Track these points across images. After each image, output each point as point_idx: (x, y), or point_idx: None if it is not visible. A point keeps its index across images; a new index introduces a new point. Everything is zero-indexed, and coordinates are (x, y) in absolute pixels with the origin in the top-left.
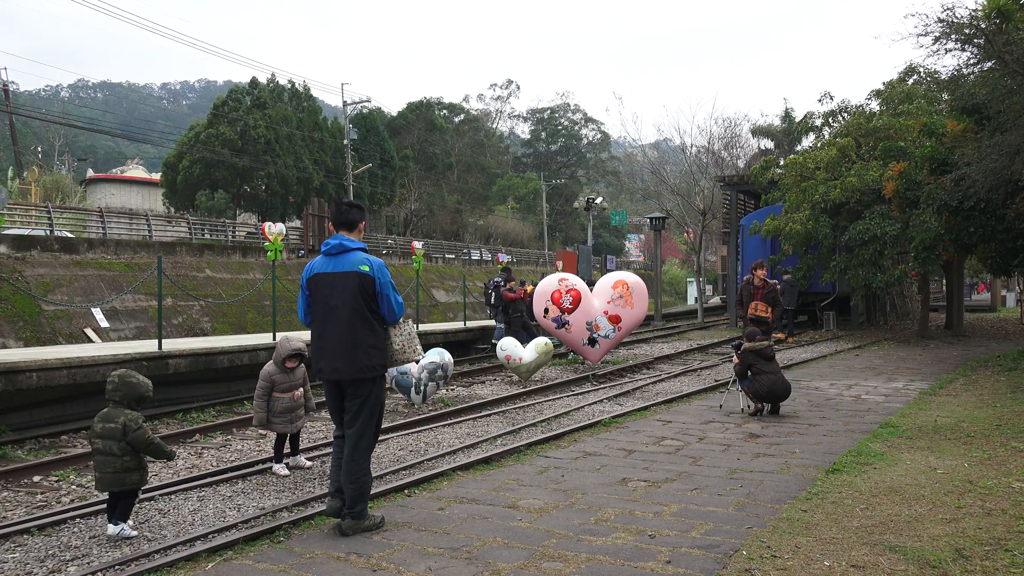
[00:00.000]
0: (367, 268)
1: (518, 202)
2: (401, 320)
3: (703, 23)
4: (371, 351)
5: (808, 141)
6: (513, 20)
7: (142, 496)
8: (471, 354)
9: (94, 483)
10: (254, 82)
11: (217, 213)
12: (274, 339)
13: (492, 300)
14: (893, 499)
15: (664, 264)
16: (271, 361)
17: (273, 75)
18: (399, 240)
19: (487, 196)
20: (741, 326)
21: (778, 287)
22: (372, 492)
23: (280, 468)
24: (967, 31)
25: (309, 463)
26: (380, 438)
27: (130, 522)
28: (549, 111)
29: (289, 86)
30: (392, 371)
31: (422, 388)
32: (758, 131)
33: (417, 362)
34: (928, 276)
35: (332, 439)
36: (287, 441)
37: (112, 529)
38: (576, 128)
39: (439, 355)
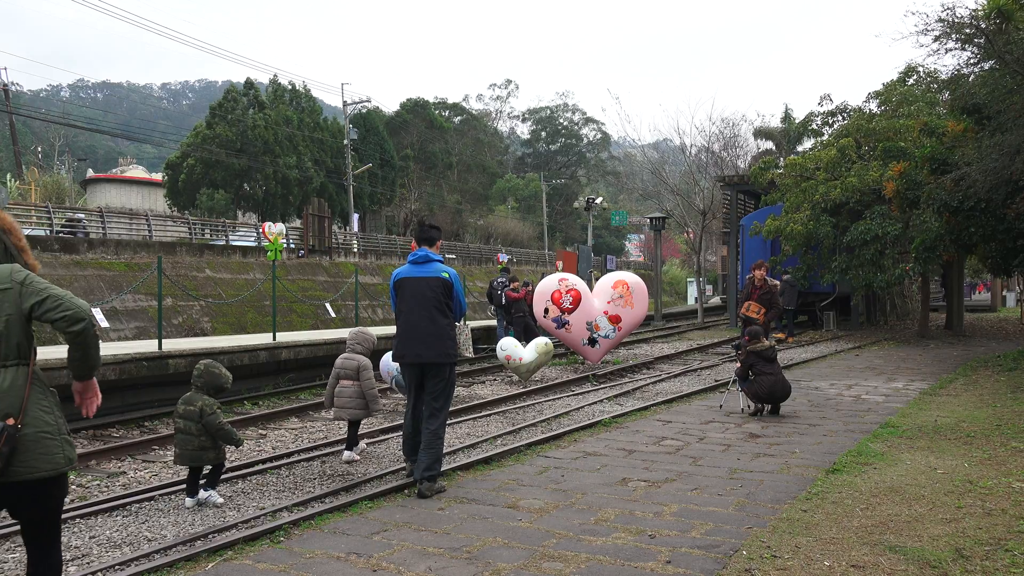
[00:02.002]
0: (447, 275)
1: (518, 202)
2: (461, 323)
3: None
4: (448, 341)
5: (808, 142)
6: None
7: (142, 496)
8: (473, 354)
9: (173, 458)
10: (249, 83)
11: (218, 213)
12: (274, 339)
13: (503, 301)
14: (893, 499)
15: (664, 264)
16: (361, 353)
17: (275, 76)
18: (399, 240)
19: (487, 196)
20: (740, 326)
21: (777, 288)
22: (372, 492)
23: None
24: (967, 31)
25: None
26: (379, 438)
27: (216, 492)
28: (549, 111)
29: (289, 87)
30: (392, 371)
31: None
32: (758, 132)
33: (468, 357)
34: (928, 276)
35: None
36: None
37: (201, 494)
38: (576, 128)
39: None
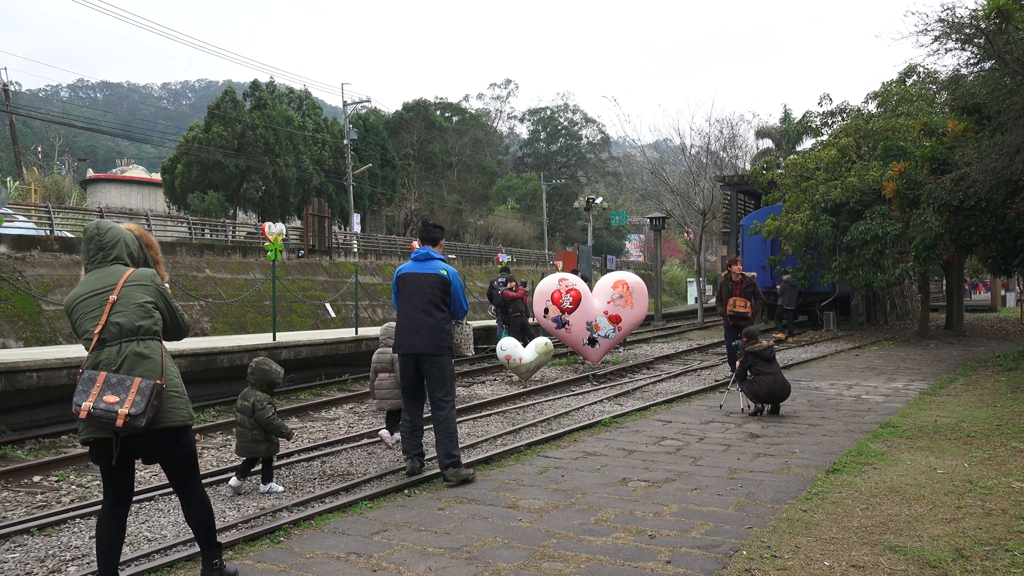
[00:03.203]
0: (445, 272)
1: (518, 202)
2: (463, 321)
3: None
4: (442, 334)
5: (808, 142)
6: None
7: (142, 496)
8: (474, 353)
9: (235, 448)
10: (255, 84)
11: (211, 214)
12: (274, 339)
13: (502, 301)
14: (893, 499)
15: (664, 264)
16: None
17: (271, 78)
18: (399, 240)
19: (487, 196)
20: (729, 323)
21: (755, 278)
22: (372, 492)
23: (388, 437)
24: (967, 31)
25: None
26: (379, 437)
27: (275, 484)
28: (549, 111)
29: (288, 91)
30: None
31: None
32: (758, 132)
33: (469, 356)
34: (928, 276)
35: (361, 429)
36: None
37: (262, 487)
38: (576, 128)
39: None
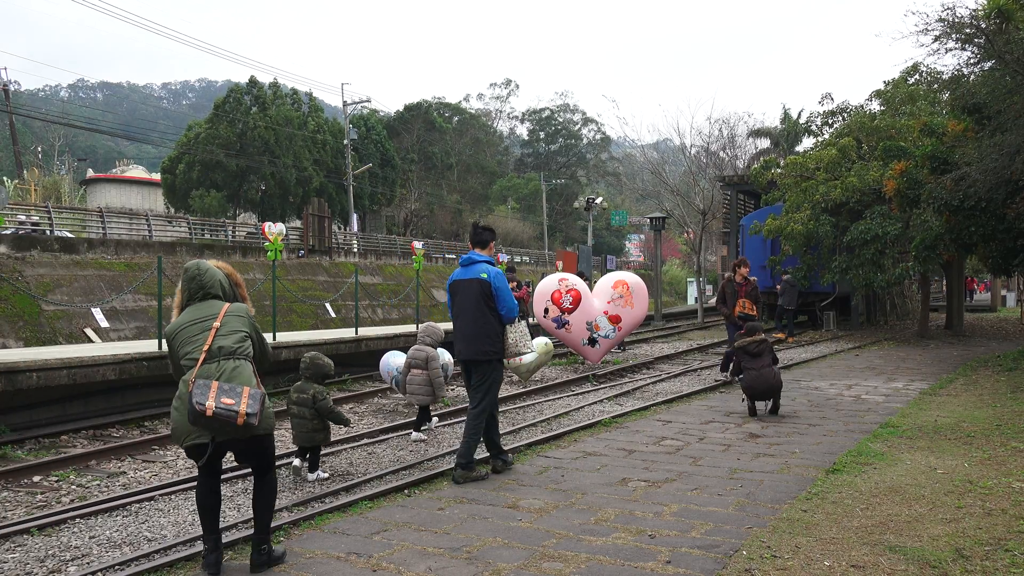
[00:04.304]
0: (486, 276)
1: (518, 202)
2: (516, 320)
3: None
4: (488, 339)
5: (808, 142)
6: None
7: (142, 496)
8: None
9: (291, 438)
10: (253, 81)
11: (211, 214)
12: (274, 339)
13: None
14: (893, 499)
15: (664, 264)
16: (431, 345)
17: (275, 79)
18: (399, 240)
19: (487, 196)
20: (725, 326)
21: (756, 283)
22: (372, 492)
23: (417, 434)
24: (967, 30)
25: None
26: (380, 438)
27: (320, 470)
28: (549, 111)
29: (292, 91)
30: (392, 371)
31: None
32: (759, 132)
33: (528, 353)
34: (928, 276)
35: (361, 429)
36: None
37: (309, 476)
38: (576, 128)
39: (439, 355)
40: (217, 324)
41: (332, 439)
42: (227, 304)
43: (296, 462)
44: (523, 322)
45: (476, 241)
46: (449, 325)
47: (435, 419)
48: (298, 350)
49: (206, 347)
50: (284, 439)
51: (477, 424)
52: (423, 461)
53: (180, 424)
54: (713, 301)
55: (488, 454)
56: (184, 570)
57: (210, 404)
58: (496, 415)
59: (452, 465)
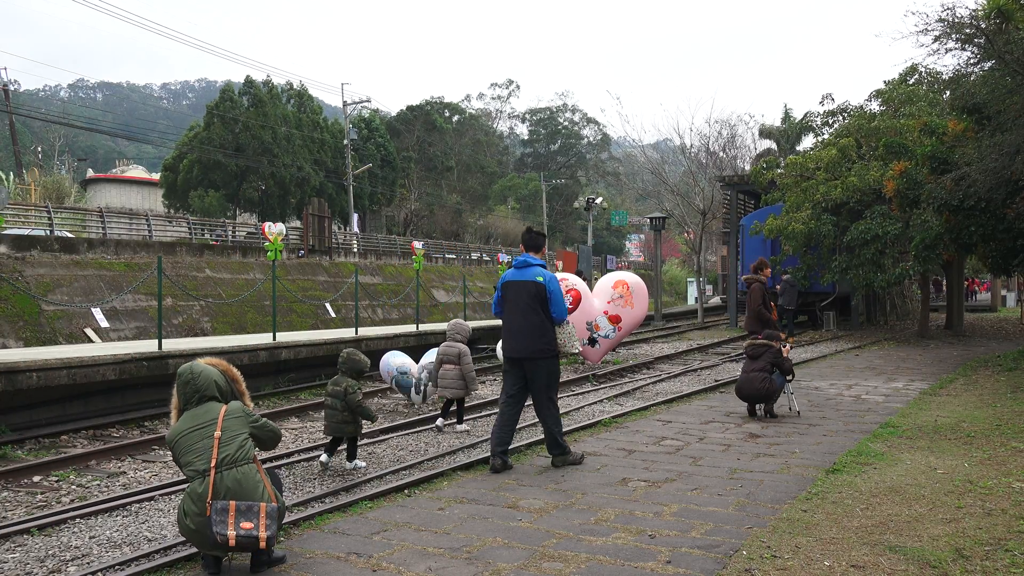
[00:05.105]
0: (541, 279)
1: (518, 202)
2: (566, 321)
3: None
4: (543, 338)
5: (808, 142)
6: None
7: (142, 496)
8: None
9: (323, 428)
10: (249, 81)
11: (211, 214)
12: (274, 339)
13: None
14: (893, 499)
15: (664, 264)
16: (460, 341)
17: (268, 76)
18: (399, 240)
19: (487, 196)
20: (786, 336)
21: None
22: (372, 492)
23: (441, 423)
24: (967, 31)
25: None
26: (379, 438)
27: (359, 460)
28: (549, 111)
29: (288, 87)
30: (392, 371)
31: (422, 388)
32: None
33: (575, 353)
34: (928, 276)
35: (441, 417)
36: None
37: (347, 465)
38: (576, 128)
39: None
40: (219, 433)
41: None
42: (224, 407)
43: (323, 458)
44: (571, 324)
45: (530, 245)
46: (382, 330)
47: (440, 420)
48: (297, 350)
49: (214, 463)
50: (309, 433)
51: (551, 413)
52: (423, 461)
53: (197, 540)
54: (713, 301)
55: (489, 452)
56: (184, 570)
57: (231, 534)
58: (556, 403)
59: (453, 465)
